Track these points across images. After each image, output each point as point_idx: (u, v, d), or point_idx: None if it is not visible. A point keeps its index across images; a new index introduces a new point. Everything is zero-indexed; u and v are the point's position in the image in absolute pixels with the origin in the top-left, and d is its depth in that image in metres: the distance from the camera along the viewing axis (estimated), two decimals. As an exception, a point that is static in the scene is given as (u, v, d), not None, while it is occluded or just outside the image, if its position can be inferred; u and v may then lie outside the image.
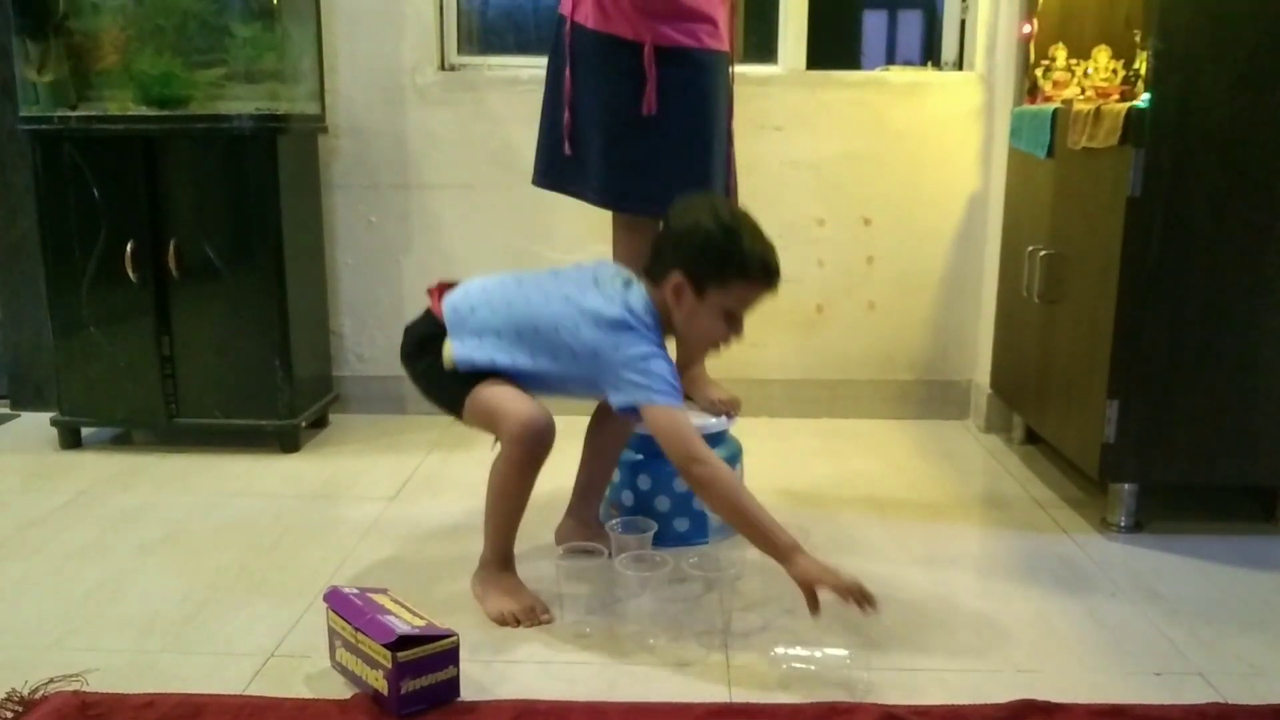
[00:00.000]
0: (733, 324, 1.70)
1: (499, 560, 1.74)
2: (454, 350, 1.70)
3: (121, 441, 2.69)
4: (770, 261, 1.67)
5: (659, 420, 1.62)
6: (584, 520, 1.94)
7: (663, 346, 1.68)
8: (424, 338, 1.74)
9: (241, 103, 2.60)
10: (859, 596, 1.52)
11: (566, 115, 2.04)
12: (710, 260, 1.64)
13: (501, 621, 1.67)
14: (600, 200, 2.07)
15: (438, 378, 1.73)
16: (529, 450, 1.65)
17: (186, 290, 2.52)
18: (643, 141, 2.00)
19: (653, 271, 1.71)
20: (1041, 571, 1.90)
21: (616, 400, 1.65)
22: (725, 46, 2.08)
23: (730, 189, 2.16)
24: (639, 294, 1.69)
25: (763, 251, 1.66)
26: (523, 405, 1.65)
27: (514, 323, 1.69)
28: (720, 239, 1.64)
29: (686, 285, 1.65)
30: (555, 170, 2.11)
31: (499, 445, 1.70)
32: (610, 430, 1.91)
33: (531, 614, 1.68)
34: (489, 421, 1.69)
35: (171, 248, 2.49)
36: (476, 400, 1.68)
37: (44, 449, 2.60)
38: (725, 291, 1.66)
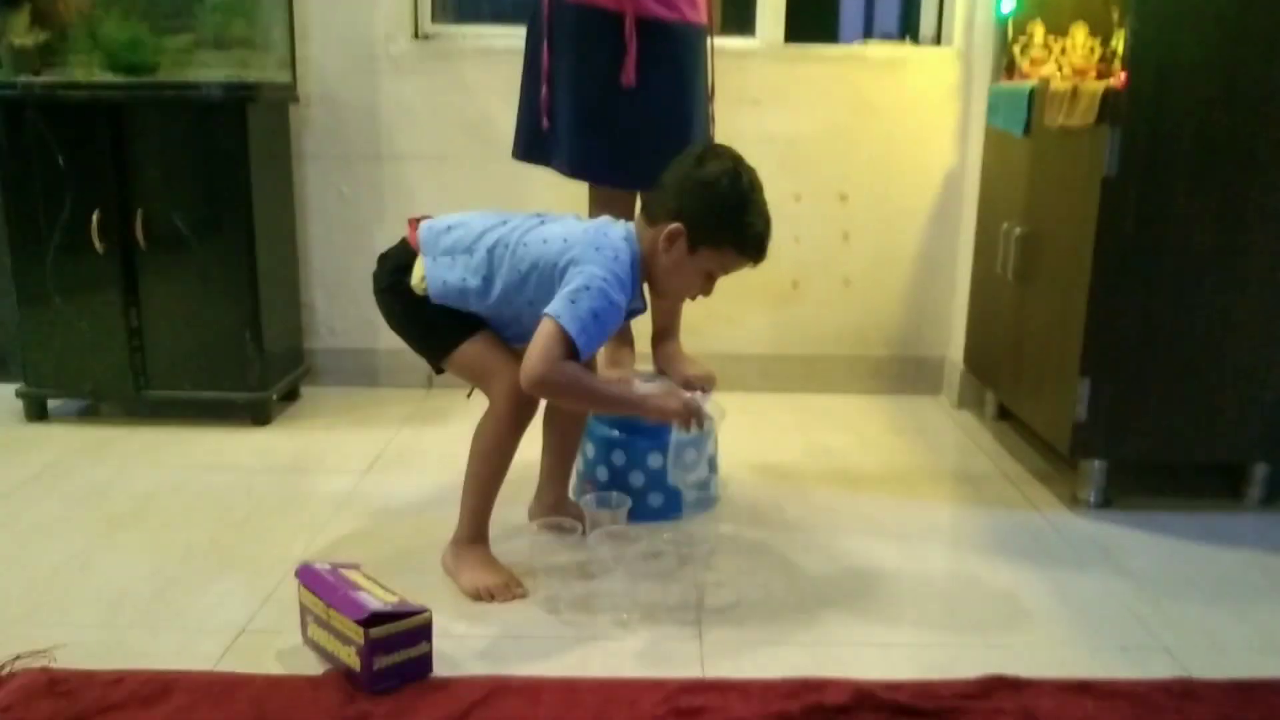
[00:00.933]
0: (708, 285, 1.70)
1: (473, 533, 1.74)
2: (425, 269, 1.66)
3: (89, 414, 2.65)
4: (766, 240, 1.67)
5: (543, 332, 1.57)
6: (555, 499, 1.94)
7: (626, 289, 1.63)
8: (399, 266, 1.70)
9: (211, 70, 2.56)
10: (695, 415, 1.66)
11: (544, 90, 2.02)
12: (715, 219, 1.63)
13: (476, 596, 1.67)
14: (577, 173, 2.05)
15: (421, 322, 1.71)
16: (521, 408, 1.66)
17: (155, 261, 2.48)
18: (621, 114, 1.98)
19: (652, 209, 1.69)
20: (1012, 547, 1.92)
21: (547, 307, 1.59)
22: (705, 20, 2.06)
23: None
24: (624, 232, 1.68)
25: (763, 228, 1.66)
26: (513, 365, 1.63)
27: (486, 242, 1.66)
28: (733, 205, 1.63)
29: (683, 236, 1.64)
30: (535, 144, 2.09)
31: (474, 393, 1.69)
32: (568, 410, 1.90)
33: (506, 589, 1.68)
34: (480, 378, 1.69)
35: (139, 217, 2.45)
36: (468, 355, 1.68)
37: (9, 421, 2.57)
38: (716, 253, 1.66)
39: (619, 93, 1.97)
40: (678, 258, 1.66)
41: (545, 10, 2.00)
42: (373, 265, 1.76)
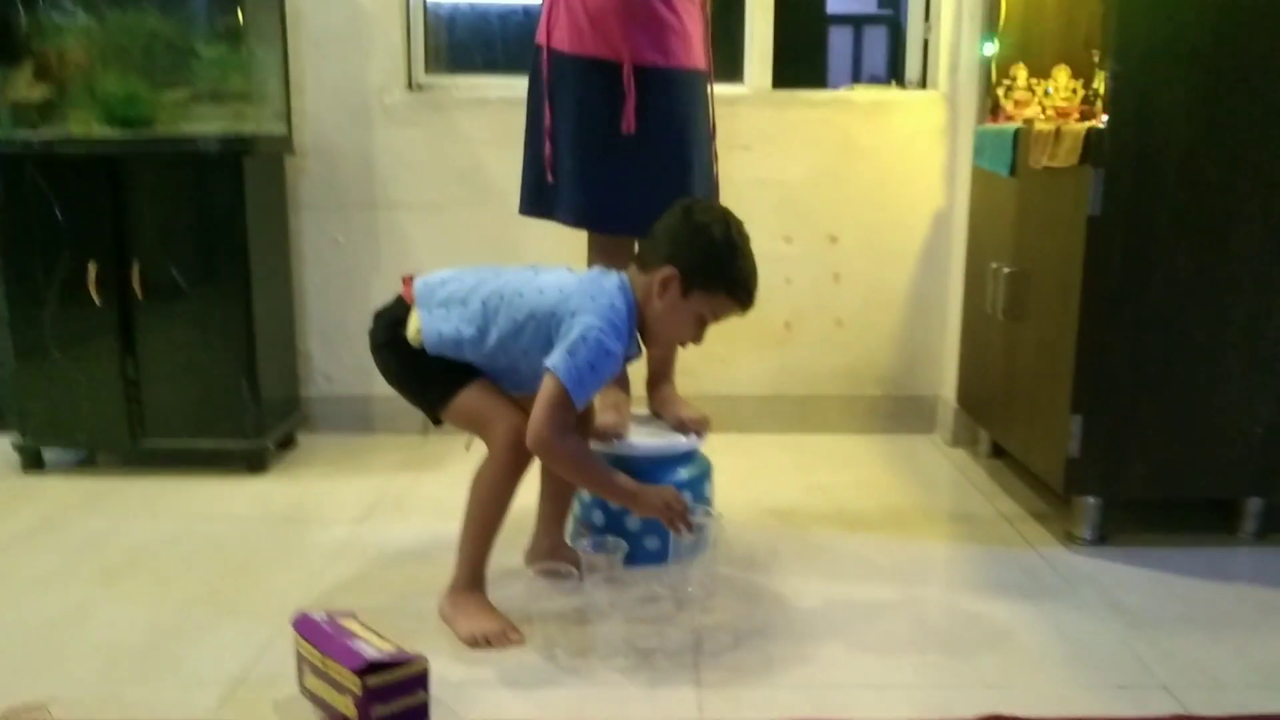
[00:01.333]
0: (700, 330, 1.73)
1: (470, 581, 1.74)
2: (420, 321, 1.69)
3: (85, 465, 2.65)
4: (754, 288, 1.71)
5: (547, 393, 1.62)
6: (552, 544, 1.94)
7: (623, 338, 1.67)
8: (395, 321, 1.72)
9: (207, 123, 2.59)
10: (680, 520, 1.69)
11: (548, 147, 2.05)
12: (708, 266, 1.67)
13: (473, 643, 1.67)
14: (580, 222, 2.08)
15: (417, 374, 1.72)
16: (520, 456, 1.67)
17: (151, 312, 2.50)
18: (621, 161, 2.01)
19: (645, 257, 1.72)
20: (1007, 585, 1.92)
21: (547, 360, 1.63)
22: (702, 65, 2.09)
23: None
24: (619, 282, 1.71)
25: (751, 275, 1.70)
26: (515, 413, 1.67)
27: (481, 294, 1.69)
28: (724, 250, 1.67)
29: (676, 280, 1.67)
30: (539, 198, 2.11)
31: (473, 445, 1.71)
32: None
33: (503, 635, 1.68)
34: (477, 426, 1.71)
35: (136, 269, 2.46)
36: (464, 404, 1.70)
37: (6, 473, 2.57)
38: (708, 299, 1.69)
39: (619, 140, 2.00)
40: (671, 302, 1.68)
41: (545, 65, 2.04)
42: (368, 313, 1.78)
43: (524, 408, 1.67)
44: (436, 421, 1.76)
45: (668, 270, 1.66)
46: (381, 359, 1.76)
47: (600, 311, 1.64)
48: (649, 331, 1.75)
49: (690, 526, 1.69)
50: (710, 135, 2.15)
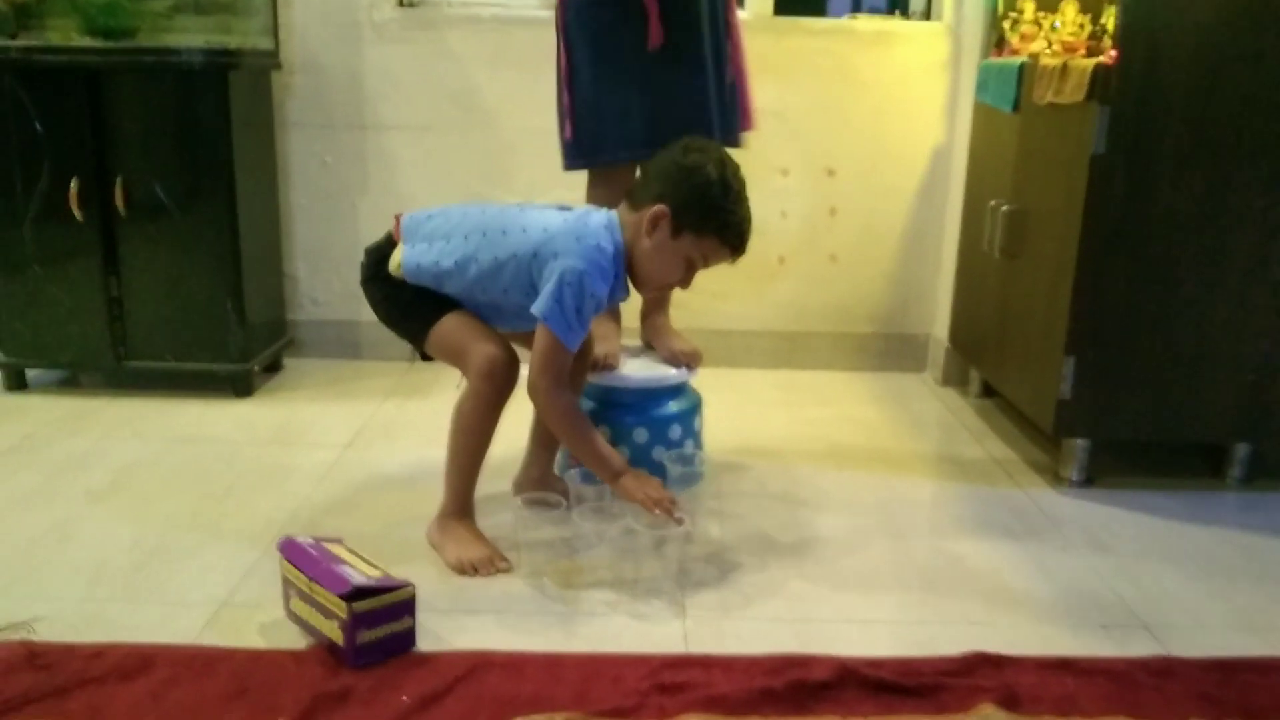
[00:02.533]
0: (688, 273, 1.71)
1: (458, 508, 1.74)
2: (402, 254, 1.69)
3: (68, 385, 2.63)
4: (747, 234, 1.69)
5: (541, 342, 1.64)
6: (540, 473, 1.94)
7: (608, 279, 1.65)
8: (383, 257, 1.73)
9: (191, 35, 2.51)
10: (665, 508, 1.63)
11: (566, 97, 2.01)
12: (700, 206, 1.64)
13: (460, 570, 1.67)
14: (630, 155, 1.99)
15: (400, 305, 1.73)
16: (495, 386, 1.66)
17: (135, 230, 2.44)
18: (650, 82, 1.96)
19: (636, 194, 1.70)
20: (994, 525, 1.93)
21: (538, 312, 1.63)
22: None
23: (739, 127, 2.12)
24: (606, 221, 1.69)
25: (744, 220, 1.68)
26: (489, 342, 1.67)
27: (465, 229, 1.69)
28: (718, 191, 1.64)
29: (667, 218, 1.64)
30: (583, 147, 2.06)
31: (463, 384, 1.70)
32: None
33: (490, 563, 1.68)
34: (455, 355, 1.70)
35: (119, 185, 2.41)
36: (442, 333, 1.69)
37: (-13, 391, 2.54)
38: (698, 241, 1.66)
39: (642, 62, 1.95)
40: (660, 242, 1.66)
41: (559, 10, 2.00)
42: (356, 237, 1.77)
43: (507, 340, 1.68)
44: (425, 356, 1.76)
45: (658, 208, 1.64)
46: (369, 293, 1.77)
47: (585, 253, 1.62)
48: (636, 272, 1.73)
49: (679, 521, 1.63)
50: (734, 39, 2.08)
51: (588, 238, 1.64)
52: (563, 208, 1.75)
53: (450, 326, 1.69)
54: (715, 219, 1.65)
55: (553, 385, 1.65)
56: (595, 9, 1.97)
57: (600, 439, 1.71)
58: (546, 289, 1.61)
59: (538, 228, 1.67)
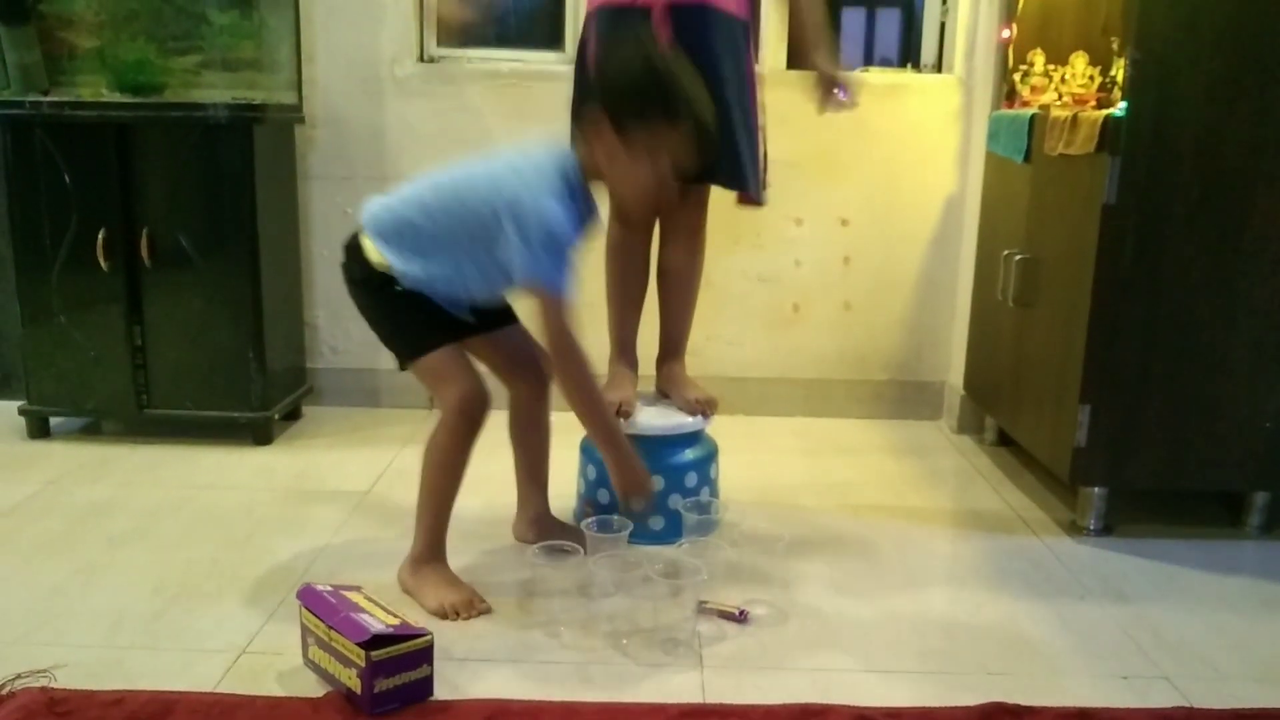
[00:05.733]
0: (662, 178, 1.62)
1: (431, 551, 1.74)
2: (396, 269, 1.65)
3: (91, 432, 2.66)
4: (699, 110, 1.58)
5: (541, 305, 1.61)
6: (536, 513, 1.95)
7: (569, 204, 1.59)
8: (355, 246, 1.71)
9: (217, 91, 2.58)
10: (637, 502, 1.73)
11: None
12: (632, 94, 1.56)
13: (441, 615, 1.66)
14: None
15: (392, 320, 1.72)
16: (469, 420, 1.67)
17: (159, 279, 2.49)
18: None
19: (577, 117, 1.66)
20: (1011, 574, 1.92)
21: (520, 275, 1.59)
22: (743, 13, 2.01)
23: (756, 166, 2.10)
24: (549, 144, 1.66)
25: (692, 99, 1.58)
26: (470, 379, 1.68)
27: (429, 184, 1.69)
28: (644, 74, 1.56)
29: (605, 120, 1.57)
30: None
31: (436, 413, 1.72)
32: (526, 418, 1.91)
33: (470, 605, 1.68)
34: (435, 383, 1.72)
35: (144, 236, 2.46)
36: (429, 363, 1.70)
37: (12, 439, 2.57)
38: (650, 135, 1.57)
39: None
40: (610, 148, 1.59)
41: (589, 27, 2.01)
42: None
43: (479, 376, 1.70)
44: (402, 367, 1.76)
45: (594, 113, 1.58)
46: (357, 296, 1.74)
47: (535, 191, 1.56)
48: (612, 193, 1.70)
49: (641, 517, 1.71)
50: (750, 90, 2.07)
51: (530, 172, 1.59)
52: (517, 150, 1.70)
53: (438, 359, 1.69)
54: (656, 102, 1.55)
55: (570, 328, 1.60)
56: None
57: (612, 415, 1.73)
58: (517, 252, 1.56)
59: (483, 177, 1.63)
